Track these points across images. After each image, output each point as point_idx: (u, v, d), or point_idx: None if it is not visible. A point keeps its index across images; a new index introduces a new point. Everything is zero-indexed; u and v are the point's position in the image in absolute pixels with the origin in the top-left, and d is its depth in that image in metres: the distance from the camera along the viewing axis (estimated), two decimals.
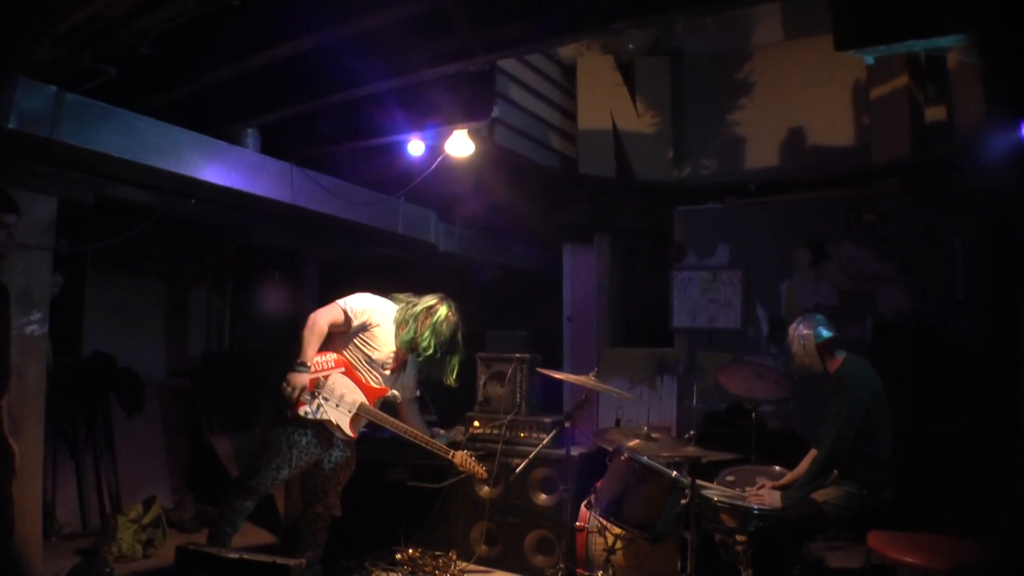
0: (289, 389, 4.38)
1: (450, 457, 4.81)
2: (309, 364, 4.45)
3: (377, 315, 4.71)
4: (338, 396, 4.57)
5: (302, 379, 4.41)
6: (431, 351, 4.74)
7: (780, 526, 4.06)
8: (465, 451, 4.89)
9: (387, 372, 4.77)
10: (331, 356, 4.63)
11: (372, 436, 5.33)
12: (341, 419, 4.56)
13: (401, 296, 4.88)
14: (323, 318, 4.56)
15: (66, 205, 4.77)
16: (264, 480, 4.53)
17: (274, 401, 4.52)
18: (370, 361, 4.68)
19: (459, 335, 4.84)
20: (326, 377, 4.56)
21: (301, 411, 4.45)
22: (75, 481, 6.29)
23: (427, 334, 4.72)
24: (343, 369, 4.63)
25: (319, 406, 4.50)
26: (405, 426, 4.75)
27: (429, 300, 4.83)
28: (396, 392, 4.85)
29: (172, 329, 8.03)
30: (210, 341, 8.36)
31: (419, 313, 4.76)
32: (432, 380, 5.04)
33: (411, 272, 8.24)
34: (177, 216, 5.83)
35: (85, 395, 6.59)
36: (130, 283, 7.57)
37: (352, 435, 4.64)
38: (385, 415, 4.72)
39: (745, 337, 7.13)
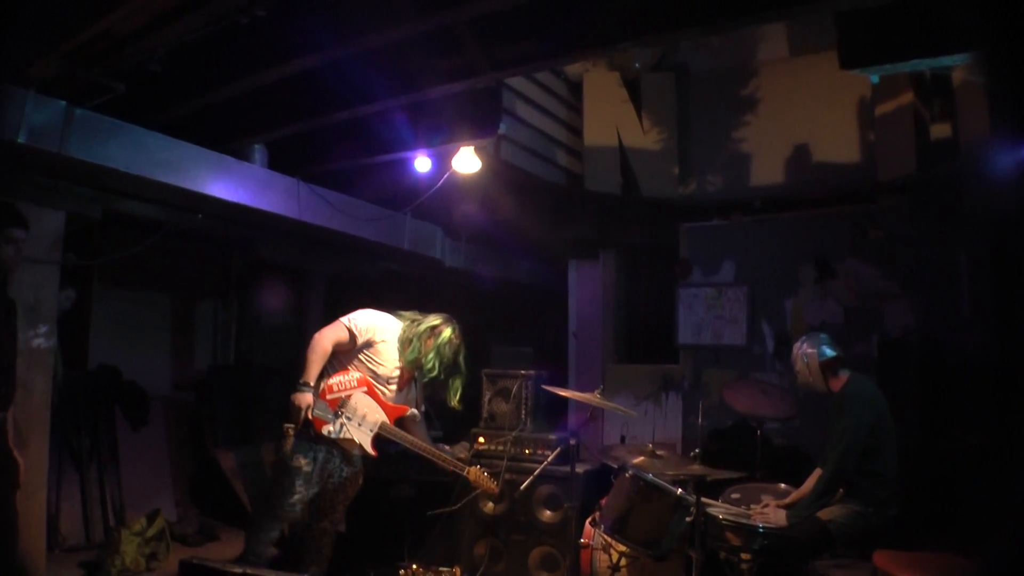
0: (294, 410, 4.38)
1: (465, 473, 4.84)
2: (312, 384, 4.44)
3: (382, 331, 4.71)
4: (360, 415, 4.58)
5: (305, 399, 4.40)
6: (435, 372, 4.74)
7: (785, 544, 4.04)
8: (478, 467, 4.93)
9: (393, 388, 4.78)
10: (354, 375, 4.63)
11: (378, 451, 5.33)
12: (363, 438, 4.58)
13: (406, 313, 4.88)
14: (327, 338, 4.55)
15: (74, 219, 4.80)
16: (290, 503, 4.48)
17: (280, 418, 4.52)
18: (375, 377, 4.68)
19: (461, 358, 4.85)
20: (348, 396, 4.56)
21: (324, 430, 4.46)
22: (79, 494, 6.30)
23: (431, 355, 4.72)
24: (365, 388, 4.63)
25: (342, 426, 4.50)
26: (422, 444, 4.76)
27: (433, 320, 4.83)
28: (415, 411, 4.87)
29: (178, 343, 8.05)
30: (215, 355, 8.39)
31: (423, 332, 4.76)
32: (437, 398, 5.05)
33: (417, 288, 8.25)
34: (184, 231, 5.86)
35: (90, 408, 6.60)
36: (136, 297, 7.60)
37: (374, 453, 4.65)
38: (404, 433, 4.73)
39: (750, 354, 7.12)
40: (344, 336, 4.60)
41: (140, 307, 7.66)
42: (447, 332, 4.80)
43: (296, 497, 4.48)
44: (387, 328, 4.75)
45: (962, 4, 3.68)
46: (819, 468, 4.48)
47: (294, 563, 5.09)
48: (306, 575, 4.79)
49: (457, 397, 4.89)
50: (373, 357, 4.68)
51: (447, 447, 5.20)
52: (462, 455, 5.20)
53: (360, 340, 4.63)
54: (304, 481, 4.48)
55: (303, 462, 4.47)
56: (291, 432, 4.40)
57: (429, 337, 4.77)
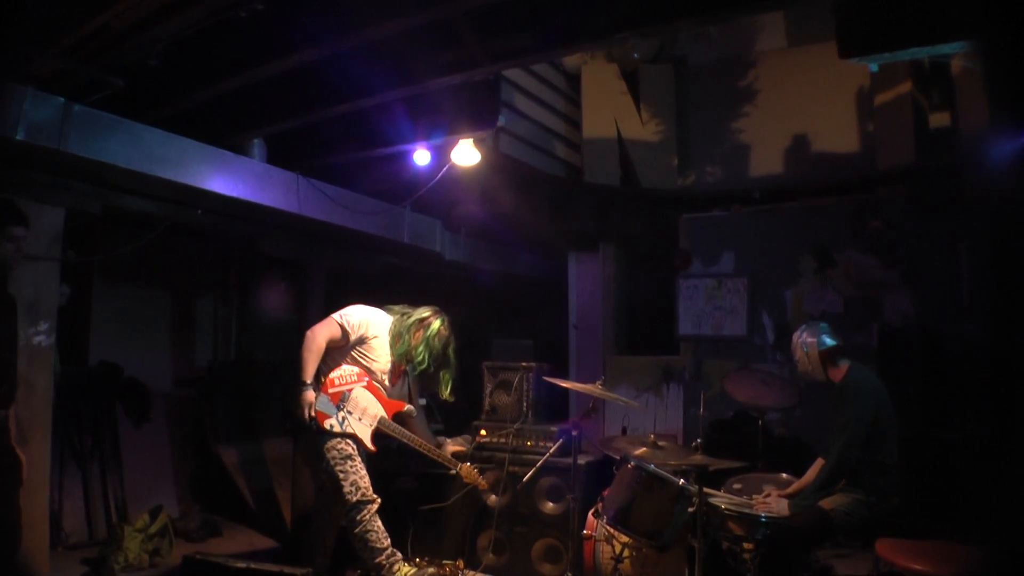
0: (300, 412, 4.41)
1: (456, 470, 4.87)
2: (310, 382, 4.45)
3: (374, 327, 4.74)
4: (361, 410, 4.60)
5: (308, 397, 4.42)
6: (425, 365, 4.78)
7: (787, 534, 4.05)
8: (469, 463, 4.97)
9: (386, 384, 4.80)
10: (354, 369, 4.66)
11: (378, 445, 5.35)
12: (364, 433, 4.60)
13: (396, 308, 4.92)
14: (320, 335, 4.56)
15: (73, 216, 4.79)
16: (362, 483, 4.52)
17: (283, 415, 4.55)
18: (370, 373, 4.70)
19: (451, 350, 4.87)
20: (350, 391, 4.59)
21: (326, 424, 4.48)
22: (82, 491, 6.31)
23: (420, 348, 4.77)
24: (365, 383, 4.65)
25: (344, 419, 4.53)
26: (418, 439, 4.80)
27: (423, 312, 4.87)
28: (412, 407, 4.89)
29: (178, 339, 8.04)
30: (216, 351, 8.38)
31: (412, 325, 4.80)
32: (428, 391, 5.08)
33: (417, 282, 8.25)
34: (184, 226, 5.85)
35: (92, 405, 6.61)
36: (136, 293, 7.59)
37: (373, 449, 4.66)
38: (402, 429, 4.76)
39: (751, 345, 7.12)
40: (337, 332, 4.62)
41: (140, 303, 7.66)
42: (436, 324, 4.83)
43: (362, 476, 4.52)
44: (379, 323, 4.78)
45: None
46: (820, 458, 4.49)
47: (295, 554, 5.11)
48: (309, 569, 4.79)
49: (448, 389, 4.92)
50: (367, 353, 4.71)
51: (448, 440, 5.22)
52: (463, 448, 5.23)
53: (353, 336, 4.65)
54: (356, 460, 4.53)
55: (345, 444, 4.52)
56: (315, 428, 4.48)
57: (418, 329, 4.81)
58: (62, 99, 4.19)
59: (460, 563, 5.31)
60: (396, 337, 4.79)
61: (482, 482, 5.02)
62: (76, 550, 5.91)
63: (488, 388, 5.86)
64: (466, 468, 4.94)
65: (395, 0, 3.94)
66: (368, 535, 4.45)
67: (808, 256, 6.90)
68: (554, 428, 5.52)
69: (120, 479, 6.58)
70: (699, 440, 4.19)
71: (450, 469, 4.95)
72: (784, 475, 4.79)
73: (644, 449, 4.31)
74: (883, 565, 3.85)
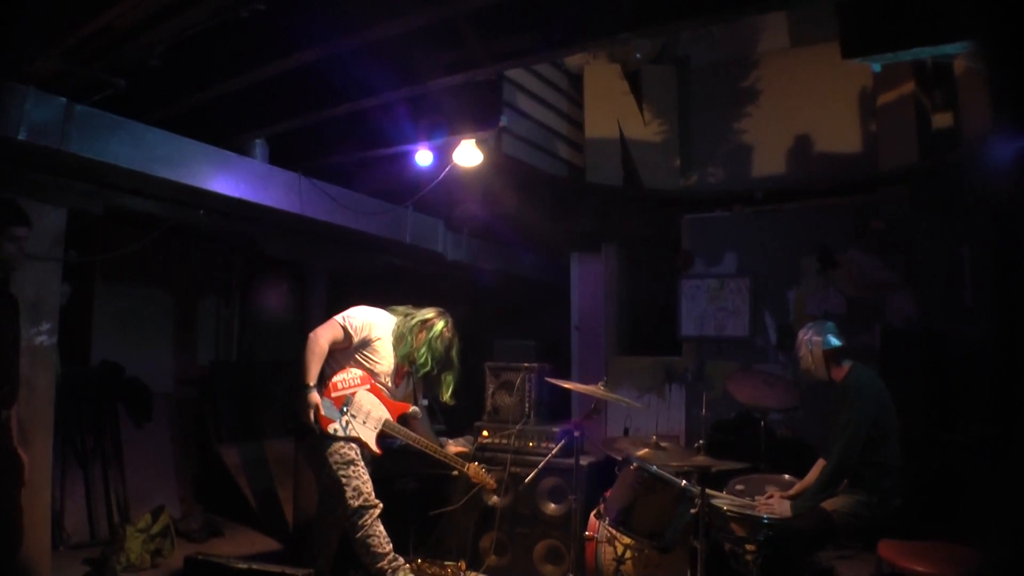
0: (303, 415, 4.39)
1: (465, 470, 4.86)
2: (312, 384, 4.44)
3: (377, 329, 4.71)
4: (364, 413, 4.58)
5: (312, 400, 4.41)
6: (427, 367, 4.75)
7: (790, 535, 4.04)
8: (477, 463, 4.94)
9: (390, 385, 4.78)
10: (358, 372, 4.64)
11: (381, 447, 5.35)
12: (368, 436, 4.58)
13: (399, 308, 4.89)
14: (323, 337, 4.54)
15: (75, 216, 4.79)
16: (365, 489, 4.50)
17: (285, 416, 4.53)
18: (374, 375, 4.68)
19: (454, 352, 4.85)
20: (353, 394, 4.57)
21: (330, 428, 4.46)
22: (83, 491, 6.31)
23: (423, 349, 4.74)
24: (368, 385, 4.64)
25: (348, 423, 4.51)
26: (424, 441, 4.78)
27: (426, 313, 4.84)
28: (417, 408, 4.88)
29: (180, 339, 8.05)
30: (218, 351, 8.39)
31: (415, 326, 4.78)
32: (432, 395, 5.06)
33: (419, 282, 8.24)
34: (185, 227, 5.85)
35: (93, 405, 6.62)
36: (138, 293, 7.60)
37: (378, 452, 4.64)
38: (407, 431, 4.74)
39: (753, 345, 7.11)
40: (339, 334, 4.60)
41: (142, 303, 7.67)
42: (439, 325, 4.81)
43: (365, 481, 4.51)
44: (382, 325, 4.76)
45: None
46: (822, 459, 4.48)
47: (297, 555, 5.10)
48: (311, 570, 4.79)
49: (449, 392, 4.89)
50: (370, 356, 4.69)
51: (450, 441, 5.21)
52: (466, 449, 5.22)
53: (356, 339, 4.63)
54: (359, 465, 4.51)
55: (349, 449, 4.51)
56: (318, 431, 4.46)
57: (421, 331, 4.78)
58: (64, 99, 4.18)
59: (462, 564, 5.31)
60: (399, 338, 4.77)
61: (491, 482, 4.99)
62: (78, 550, 5.92)
63: (490, 389, 5.86)
64: (474, 468, 4.92)
65: (396, 0, 3.93)
66: (370, 540, 4.44)
67: (810, 257, 6.87)
68: (556, 429, 5.51)
69: (122, 479, 6.59)
70: (701, 441, 4.18)
71: (455, 470, 4.94)
72: (787, 476, 4.79)
73: (646, 450, 4.30)
74: (885, 566, 3.84)
